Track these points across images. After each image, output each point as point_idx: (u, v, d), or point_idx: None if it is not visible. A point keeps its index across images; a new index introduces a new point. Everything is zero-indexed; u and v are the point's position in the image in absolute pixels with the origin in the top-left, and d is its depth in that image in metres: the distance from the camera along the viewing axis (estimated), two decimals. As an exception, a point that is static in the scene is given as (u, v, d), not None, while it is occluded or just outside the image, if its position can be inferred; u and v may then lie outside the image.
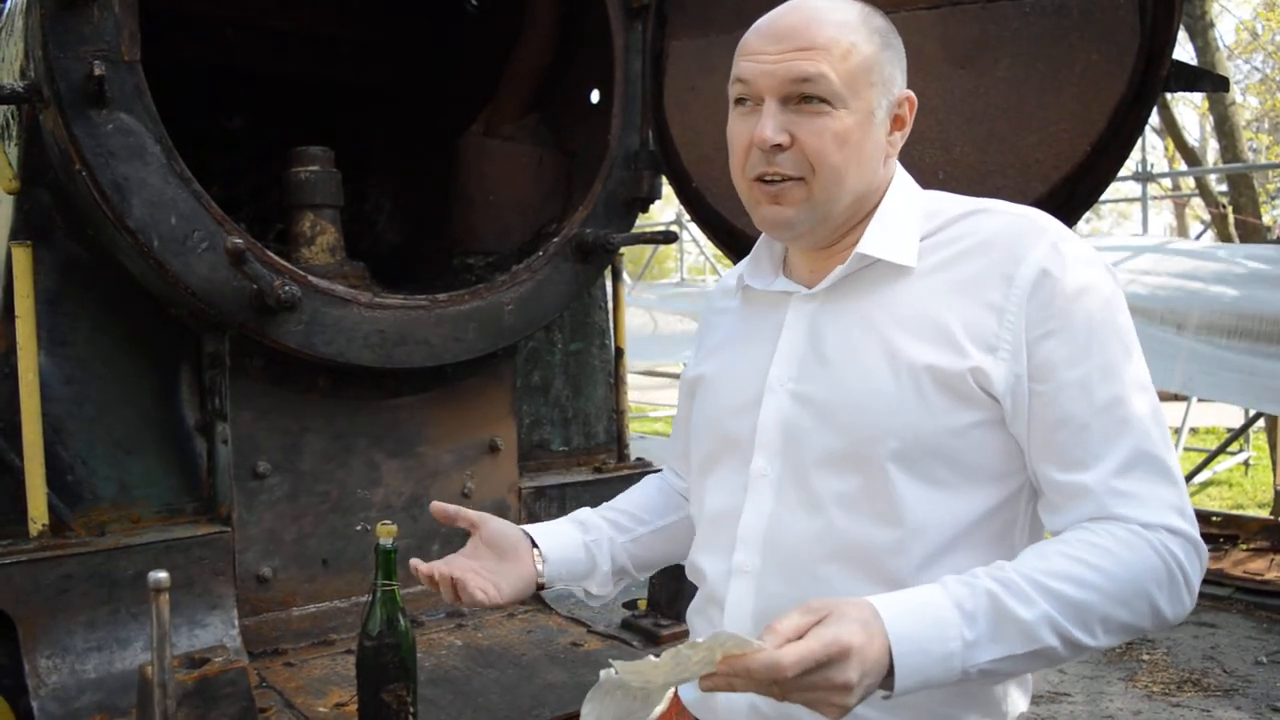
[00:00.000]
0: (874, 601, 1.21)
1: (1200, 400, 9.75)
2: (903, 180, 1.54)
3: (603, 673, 1.26)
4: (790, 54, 1.38)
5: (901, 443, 1.37)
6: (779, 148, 1.41)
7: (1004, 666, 1.24)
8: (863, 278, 1.48)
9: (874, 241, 1.46)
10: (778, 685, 1.13)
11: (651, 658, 1.20)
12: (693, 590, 1.68)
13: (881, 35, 1.45)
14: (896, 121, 1.49)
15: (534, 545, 1.68)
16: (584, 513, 1.81)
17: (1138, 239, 8.45)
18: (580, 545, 1.73)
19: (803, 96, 1.39)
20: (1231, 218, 9.60)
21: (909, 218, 1.49)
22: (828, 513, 1.42)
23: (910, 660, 1.18)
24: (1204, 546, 1.33)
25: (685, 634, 1.75)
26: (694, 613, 1.66)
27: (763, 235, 1.62)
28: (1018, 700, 1.49)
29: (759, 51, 1.42)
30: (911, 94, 1.50)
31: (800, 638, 1.15)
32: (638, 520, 1.82)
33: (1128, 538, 1.29)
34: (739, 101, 1.47)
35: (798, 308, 1.54)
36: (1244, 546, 7.34)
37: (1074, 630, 1.25)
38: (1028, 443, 1.38)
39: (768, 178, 1.44)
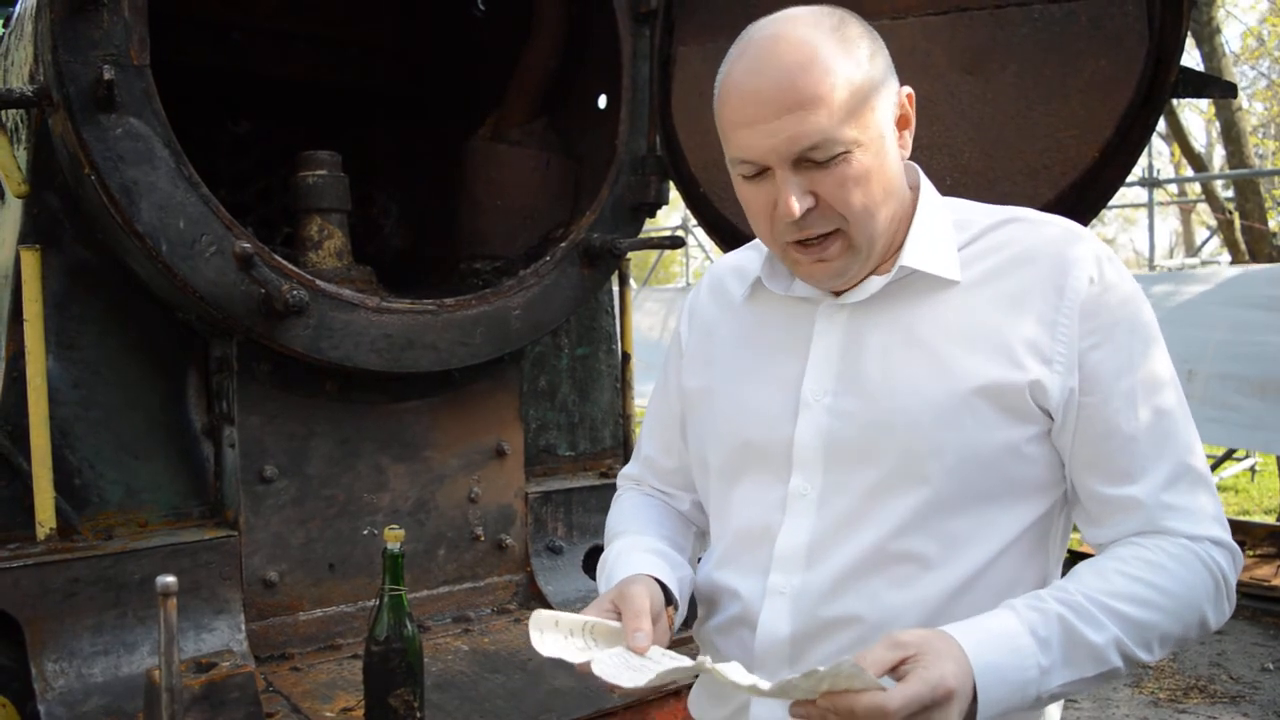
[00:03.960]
0: (954, 633, 1.21)
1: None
2: (928, 187, 1.49)
3: (695, 662, 1.25)
4: (787, 117, 1.30)
5: (958, 458, 1.35)
6: (807, 211, 1.34)
7: (1072, 689, 1.26)
8: (900, 288, 1.43)
9: (917, 253, 1.41)
10: None
11: (760, 681, 1.20)
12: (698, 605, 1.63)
13: (860, 44, 1.36)
14: (902, 121, 1.41)
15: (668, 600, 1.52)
16: (666, 548, 1.62)
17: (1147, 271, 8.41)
18: (682, 590, 1.59)
19: (814, 160, 1.32)
20: (1238, 224, 9.58)
21: (944, 227, 1.45)
22: (875, 531, 1.39)
23: (994, 691, 1.19)
24: (1240, 552, 1.36)
25: (687, 642, 1.69)
26: (717, 633, 1.57)
27: None
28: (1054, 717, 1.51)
29: (755, 121, 1.32)
30: (908, 89, 1.42)
31: (896, 674, 1.16)
32: (682, 562, 1.65)
33: (1180, 554, 1.31)
34: (745, 170, 1.38)
35: (828, 317, 1.47)
36: (1250, 553, 7.31)
37: (1137, 650, 1.27)
38: (1071, 454, 1.38)
39: (803, 240, 1.38)
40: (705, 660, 1.23)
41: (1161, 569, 1.30)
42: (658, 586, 1.47)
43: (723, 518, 1.59)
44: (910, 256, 1.41)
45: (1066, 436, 1.37)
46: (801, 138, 1.30)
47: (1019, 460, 1.37)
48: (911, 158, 1.49)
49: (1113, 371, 1.35)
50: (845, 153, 1.31)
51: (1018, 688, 1.21)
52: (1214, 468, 10.14)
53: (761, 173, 1.36)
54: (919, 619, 1.36)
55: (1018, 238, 1.42)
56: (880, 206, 1.37)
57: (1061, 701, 1.51)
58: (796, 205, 1.32)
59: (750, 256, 1.64)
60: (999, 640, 1.22)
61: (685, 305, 1.74)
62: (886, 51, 1.41)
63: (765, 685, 1.18)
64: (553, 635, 1.36)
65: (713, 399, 1.59)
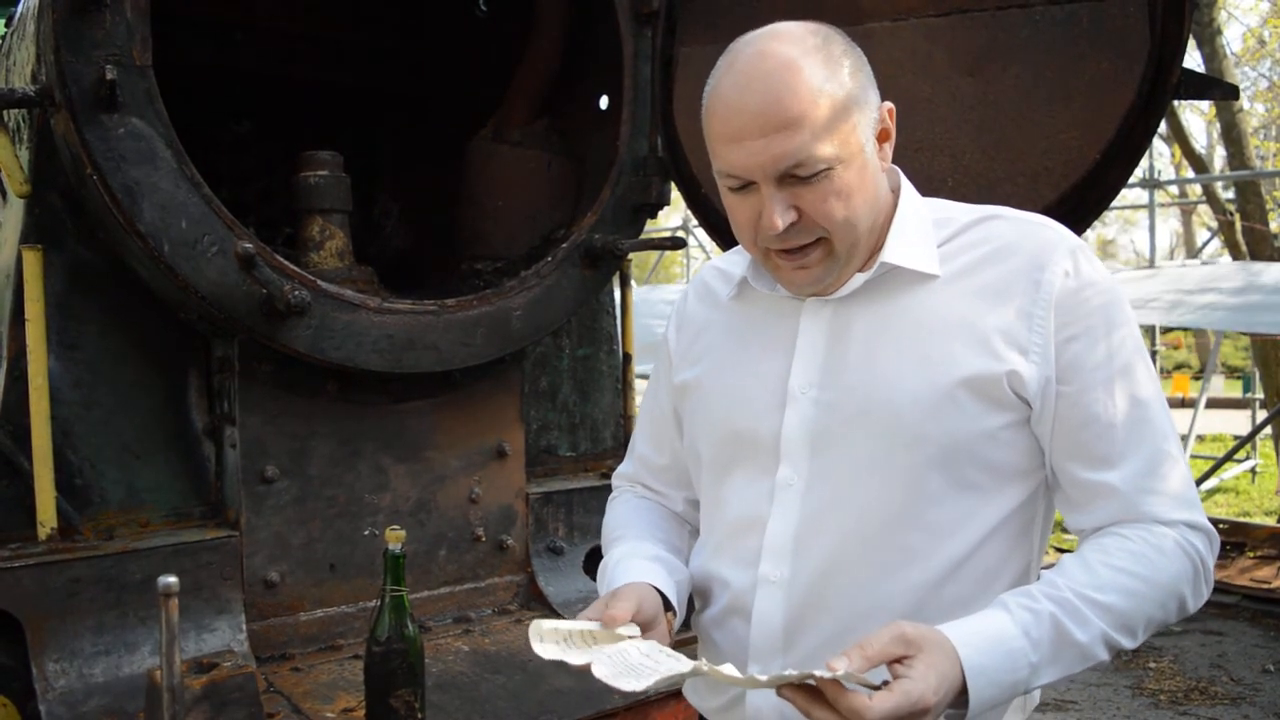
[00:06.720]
0: (951, 636, 1.26)
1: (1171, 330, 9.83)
2: (909, 188, 1.54)
3: (693, 665, 1.28)
4: (773, 135, 1.34)
5: (939, 448, 1.40)
6: (790, 225, 1.39)
7: (1058, 682, 1.33)
8: (882, 284, 1.48)
9: (897, 249, 1.47)
10: None
11: (756, 675, 1.25)
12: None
13: (843, 62, 1.40)
14: (882, 135, 1.46)
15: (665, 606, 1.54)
16: (665, 554, 1.65)
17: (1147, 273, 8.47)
18: (680, 596, 1.60)
19: (797, 176, 1.36)
20: (1239, 225, 9.58)
21: (923, 225, 1.50)
22: (860, 520, 1.44)
23: (985, 692, 1.25)
24: (1216, 534, 1.42)
25: (692, 640, 1.72)
26: (712, 624, 1.61)
27: None
28: (1034, 696, 1.56)
29: (740, 138, 1.37)
30: (889, 103, 1.47)
31: (890, 669, 1.22)
32: (680, 566, 1.67)
33: (1160, 542, 1.37)
34: (731, 183, 1.43)
35: (813, 312, 1.53)
36: (1251, 554, 7.31)
37: (1121, 638, 1.33)
38: (1050, 441, 1.43)
39: (785, 249, 1.43)
40: (702, 663, 1.27)
41: (1145, 559, 1.35)
42: (655, 593, 1.50)
43: (714, 509, 1.63)
44: (890, 253, 1.46)
45: (1046, 424, 1.42)
46: (785, 156, 1.35)
47: (998, 446, 1.42)
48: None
49: (1090, 362, 1.40)
50: (827, 169, 1.36)
51: (1008, 687, 1.27)
52: (1214, 469, 10.14)
53: (746, 185, 1.41)
54: (906, 606, 1.41)
55: (996, 234, 1.47)
56: (862, 218, 1.42)
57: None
58: (780, 220, 1.38)
59: (734, 260, 1.68)
60: (993, 644, 1.27)
61: (673, 312, 1.79)
62: (869, 68, 1.45)
63: (762, 678, 1.22)
64: (552, 640, 1.39)
65: (704, 392, 1.64)
